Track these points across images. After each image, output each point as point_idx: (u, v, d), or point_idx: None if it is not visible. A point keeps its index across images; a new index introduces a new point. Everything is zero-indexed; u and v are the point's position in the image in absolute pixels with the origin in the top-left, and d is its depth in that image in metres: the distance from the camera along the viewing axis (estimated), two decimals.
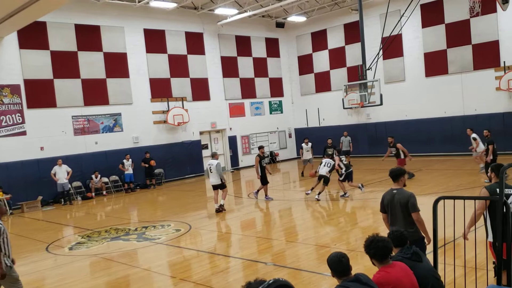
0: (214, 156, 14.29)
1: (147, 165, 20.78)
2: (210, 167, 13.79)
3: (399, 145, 16.32)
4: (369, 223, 11.03)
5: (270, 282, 3.01)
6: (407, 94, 23.64)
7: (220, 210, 13.68)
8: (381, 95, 20.77)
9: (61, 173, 17.94)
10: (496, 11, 20.02)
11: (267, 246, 9.75)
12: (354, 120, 25.96)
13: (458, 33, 21.76)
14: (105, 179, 20.17)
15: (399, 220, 5.90)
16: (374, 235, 4.29)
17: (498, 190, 5.64)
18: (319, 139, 27.13)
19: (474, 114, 21.48)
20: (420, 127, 23.10)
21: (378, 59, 21.03)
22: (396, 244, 4.52)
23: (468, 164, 19.14)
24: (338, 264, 3.86)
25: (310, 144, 20.59)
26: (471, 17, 20.58)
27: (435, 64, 22.68)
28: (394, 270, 4.11)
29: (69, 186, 18.53)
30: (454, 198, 5.30)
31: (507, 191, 5.61)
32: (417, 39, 23.24)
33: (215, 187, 13.81)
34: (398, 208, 5.91)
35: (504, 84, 20.14)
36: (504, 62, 20.36)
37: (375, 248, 4.15)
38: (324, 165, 14.44)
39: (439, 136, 22.49)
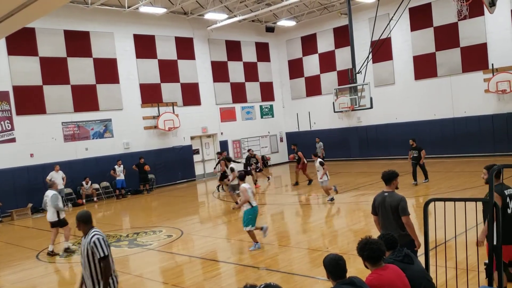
0: (51, 186, 11.23)
1: (137, 169, 20.66)
2: (46, 200, 10.96)
3: (300, 153, 18.52)
4: (361, 226, 11.05)
5: (262, 286, 3.01)
6: (397, 97, 23.79)
7: (53, 254, 10.73)
8: (371, 99, 20.87)
9: (58, 179, 17.80)
10: (483, 14, 20.25)
11: (259, 250, 9.72)
12: (345, 123, 26.06)
13: (447, 36, 21.97)
14: (96, 186, 20.04)
15: (390, 223, 5.92)
16: (367, 238, 4.29)
17: (504, 191, 5.71)
18: (310, 143, 27.24)
19: (464, 116, 21.66)
20: (410, 129, 23.16)
21: (367, 62, 21.14)
22: (387, 247, 4.53)
23: (458, 166, 19.29)
24: (335, 267, 3.86)
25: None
26: (459, 20, 20.73)
27: (424, 67, 22.86)
28: (386, 273, 4.12)
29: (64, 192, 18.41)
30: (444, 200, 5.33)
31: (508, 191, 5.70)
32: (406, 42, 23.42)
33: (53, 225, 10.91)
34: (389, 211, 5.93)
35: (493, 86, 20.34)
36: (492, 64, 20.57)
37: (369, 250, 4.16)
38: None
39: (429, 139, 22.59)
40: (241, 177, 10.26)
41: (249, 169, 19.94)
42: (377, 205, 6.09)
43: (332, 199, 14.18)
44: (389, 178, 6.09)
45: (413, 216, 5.94)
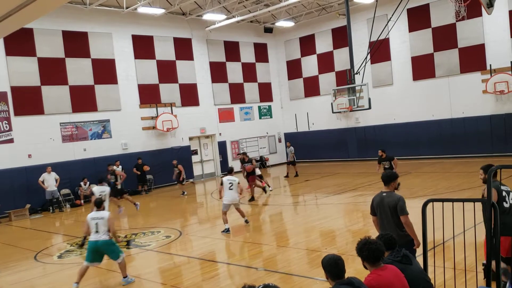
0: None
1: (139, 173, 20.65)
2: None
3: (252, 162, 16.84)
4: (359, 226, 11.05)
5: (260, 287, 3.01)
6: (395, 98, 23.82)
7: None
8: (369, 99, 20.90)
9: (51, 180, 17.77)
10: (481, 15, 20.28)
11: (258, 251, 9.72)
12: (343, 124, 26.08)
13: (445, 37, 22.01)
14: (94, 186, 19.99)
15: (389, 223, 5.94)
16: (366, 238, 4.30)
17: (500, 187, 5.76)
18: (309, 143, 27.30)
19: (462, 117, 21.70)
20: (409, 130, 23.28)
21: (366, 63, 21.18)
22: (386, 248, 4.54)
23: (456, 167, 19.32)
24: (335, 267, 3.87)
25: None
26: (457, 21, 20.82)
27: (422, 67, 22.89)
28: (385, 273, 4.12)
29: (58, 193, 18.36)
30: (443, 200, 5.33)
31: (504, 188, 5.77)
32: (404, 43, 23.45)
33: None
34: (388, 211, 5.95)
35: (491, 87, 20.37)
36: (490, 65, 20.60)
37: (368, 250, 4.16)
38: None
39: (427, 139, 22.67)
40: (96, 204, 8.42)
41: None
42: (376, 205, 6.12)
43: (226, 231, 11.34)
44: (389, 179, 6.12)
45: (411, 216, 5.94)
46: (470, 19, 20.38)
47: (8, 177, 17.80)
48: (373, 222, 6.32)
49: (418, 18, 22.78)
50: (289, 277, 7.72)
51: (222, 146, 25.88)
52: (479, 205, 5.89)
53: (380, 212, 6.06)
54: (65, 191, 19.20)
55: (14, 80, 18.41)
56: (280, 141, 29.09)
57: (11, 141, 18.18)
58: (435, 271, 5.43)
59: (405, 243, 5.56)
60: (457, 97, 21.82)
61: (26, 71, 18.71)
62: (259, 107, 28.10)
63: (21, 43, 18.46)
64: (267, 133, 28.38)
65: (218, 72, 25.73)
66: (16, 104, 18.37)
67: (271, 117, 28.80)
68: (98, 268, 9.41)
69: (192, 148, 24.53)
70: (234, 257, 9.42)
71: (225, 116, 26.17)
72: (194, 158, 24.67)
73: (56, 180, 17.96)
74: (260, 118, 28.13)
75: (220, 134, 25.80)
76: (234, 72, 26.66)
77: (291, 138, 28.27)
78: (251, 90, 27.58)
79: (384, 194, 6.07)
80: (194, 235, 11.86)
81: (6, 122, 18.11)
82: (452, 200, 5.38)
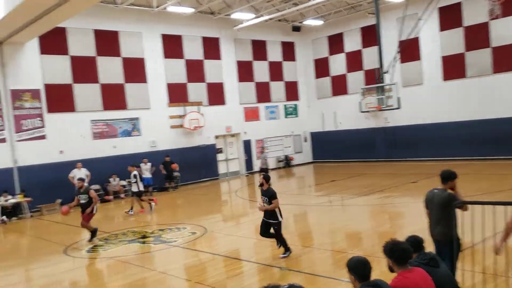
0: None
1: (165, 172, 20.89)
2: None
3: (92, 192, 12.11)
4: (386, 228, 10.91)
5: (285, 287, 3.02)
6: (425, 98, 23.37)
7: None
8: (398, 99, 20.59)
9: (81, 176, 18.12)
10: None
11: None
12: (371, 123, 25.74)
13: (477, 36, 21.45)
14: (123, 182, 20.35)
15: (438, 219, 5.93)
16: (394, 240, 4.25)
17: None
18: (335, 143, 27.05)
19: (493, 118, 21.13)
20: (438, 131, 22.80)
21: (395, 62, 20.88)
22: (413, 249, 4.48)
23: (488, 169, 18.84)
24: (363, 268, 3.84)
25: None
26: (490, 19, 20.29)
27: (453, 67, 22.40)
28: (412, 275, 4.07)
29: None
30: (472, 203, 5.23)
31: None
32: (435, 42, 22.98)
33: None
34: (437, 208, 5.93)
35: None
36: None
37: (400, 251, 4.11)
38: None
39: (457, 140, 22.16)
40: None
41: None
42: (427, 200, 6.11)
43: None
44: (448, 176, 5.96)
45: None
46: (505, 17, 19.81)
47: (41, 172, 18.28)
48: (427, 215, 6.25)
49: (449, 17, 22.28)
50: (313, 278, 7.69)
51: (247, 145, 25.94)
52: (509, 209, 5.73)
53: (431, 208, 6.07)
54: (95, 187, 19.56)
55: (47, 77, 18.90)
56: (305, 140, 28.94)
57: (43, 137, 18.67)
58: (464, 275, 5.33)
59: (447, 241, 5.50)
60: (488, 98, 21.22)
61: (59, 69, 19.18)
62: (284, 106, 28.04)
63: (54, 42, 18.94)
64: (292, 132, 28.28)
65: (244, 71, 25.80)
66: (49, 101, 18.86)
67: (296, 116, 28.69)
68: (125, 263, 9.58)
69: (217, 147, 24.68)
70: (258, 256, 9.44)
71: (251, 115, 26.22)
72: (219, 157, 24.82)
73: (87, 176, 18.31)
74: (285, 117, 28.06)
75: (245, 132, 25.86)
76: (261, 71, 26.68)
77: (318, 138, 28.08)
78: (277, 89, 27.55)
79: (436, 191, 6.03)
80: (219, 233, 11.94)
81: (39, 119, 18.61)
82: (482, 203, 5.27)
